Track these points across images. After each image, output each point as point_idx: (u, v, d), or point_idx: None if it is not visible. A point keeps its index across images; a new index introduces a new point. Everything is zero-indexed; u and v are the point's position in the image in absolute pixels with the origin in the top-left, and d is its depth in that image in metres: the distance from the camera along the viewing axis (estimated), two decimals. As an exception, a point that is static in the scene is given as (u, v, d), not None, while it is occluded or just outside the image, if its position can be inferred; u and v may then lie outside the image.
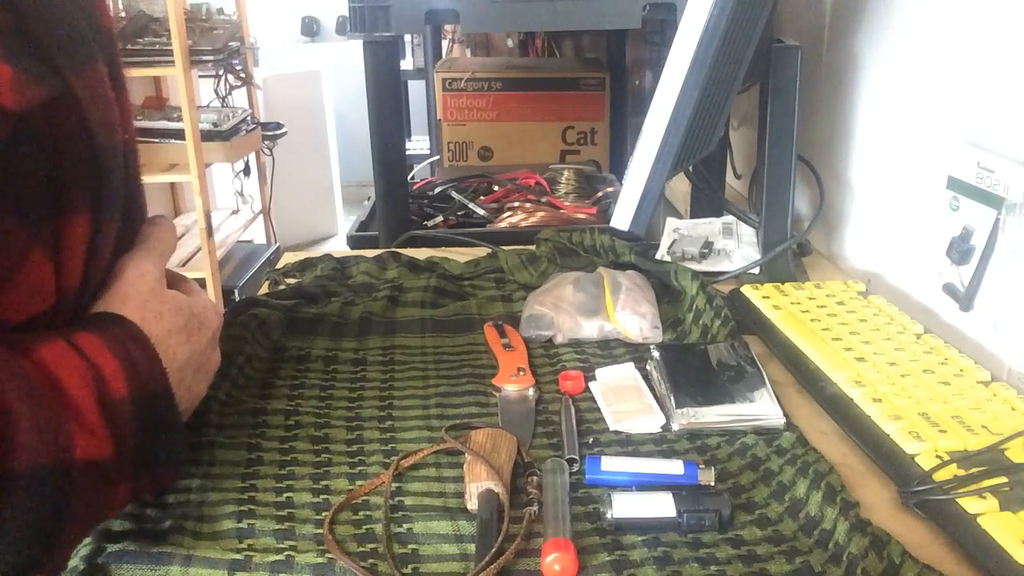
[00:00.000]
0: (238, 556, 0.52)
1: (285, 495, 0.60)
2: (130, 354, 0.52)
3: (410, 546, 0.55)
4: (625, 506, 0.56)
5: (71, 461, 0.46)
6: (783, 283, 0.92)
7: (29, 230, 0.49)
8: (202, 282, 2.45)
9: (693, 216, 1.19)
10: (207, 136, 2.45)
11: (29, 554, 0.44)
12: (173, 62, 2.29)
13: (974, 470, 0.57)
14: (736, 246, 1.06)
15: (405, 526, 0.56)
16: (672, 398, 0.70)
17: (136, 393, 0.51)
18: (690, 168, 1.10)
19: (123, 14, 2.47)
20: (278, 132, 2.92)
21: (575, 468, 0.62)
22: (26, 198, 0.49)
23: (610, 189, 1.45)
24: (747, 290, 0.91)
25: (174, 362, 0.55)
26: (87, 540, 0.53)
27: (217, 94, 2.78)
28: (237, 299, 1.93)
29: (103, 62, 0.52)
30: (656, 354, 0.76)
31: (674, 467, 0.61)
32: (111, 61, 0.56)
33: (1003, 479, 0.56)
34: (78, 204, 0.52)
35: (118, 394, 0.50)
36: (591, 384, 0.75)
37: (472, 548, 0.54)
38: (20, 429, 0.43)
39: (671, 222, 1.13)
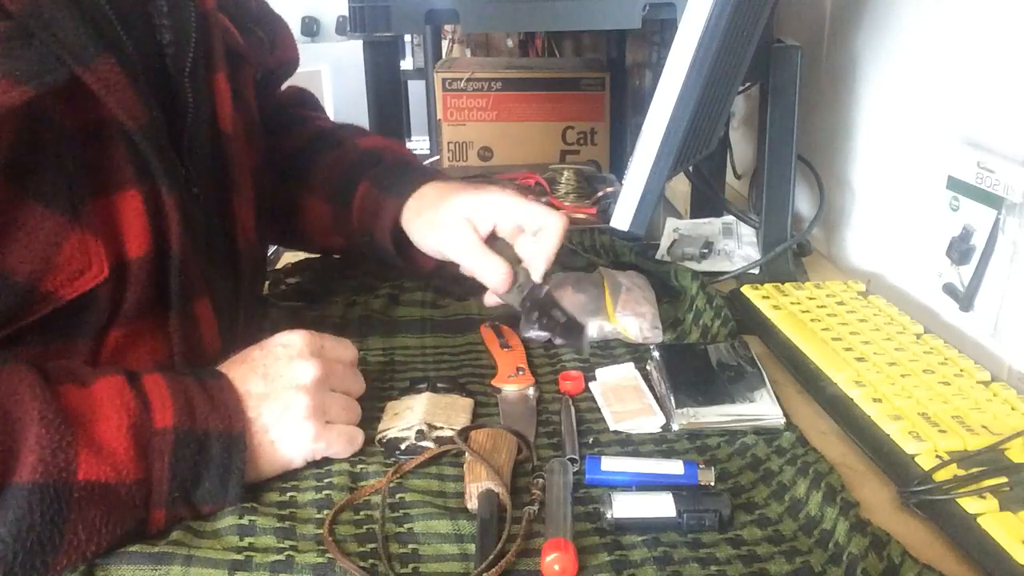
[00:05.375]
0: (239, 556, 0.52)
1: (289, 495, 0.60)
2: (188, 393, 0.56)
3: (410, 546, 0.55)
4: (625, 506, 0.56)
5: (71, 481, 0.49)
6: (783, 283, 0.92)
7: (62, 215, 0.54)
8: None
9: (693, 216, 1.19)
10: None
11: (23, 562, 0.48)
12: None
13: (974, 470, 0.57)
14: (736, 246, 1.06)
15: (405, 526, 0.56)
16: (672, 398, 0.70)
17: (183, 427, 0.54)
18: (690, 168, 1.10)
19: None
20: (278, 132, 2.91)
21: (575, 468, 0.62)
22: (52, 185, 0.54)
23: (610, 189, 1.45)
24: (747, 290, 0.91)
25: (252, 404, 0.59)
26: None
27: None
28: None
29: (121, 59, 0.56)
30: (656, 354, 0.76)
31: (674, 467, 0.61)
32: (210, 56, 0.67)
33: (1003, 479, 0.56)
34: (124, 180, 0.58)
35: (160, 424, 0.54)
36: (591, 384, 0.75)
37: (472, 548, 0.54)
38: (27, 448, 0.49)
39: (671, 222, 1.13)
